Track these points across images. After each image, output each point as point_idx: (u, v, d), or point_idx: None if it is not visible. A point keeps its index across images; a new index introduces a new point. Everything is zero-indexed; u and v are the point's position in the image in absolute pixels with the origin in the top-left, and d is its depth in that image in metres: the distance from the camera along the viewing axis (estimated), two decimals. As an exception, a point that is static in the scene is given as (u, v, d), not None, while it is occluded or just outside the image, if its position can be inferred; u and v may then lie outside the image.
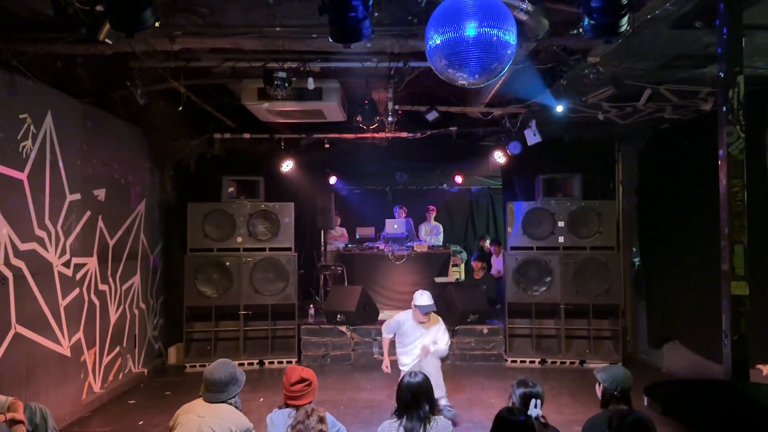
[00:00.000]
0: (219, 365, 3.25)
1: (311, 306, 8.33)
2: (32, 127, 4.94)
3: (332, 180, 10.84)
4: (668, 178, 7.21)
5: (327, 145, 8.43)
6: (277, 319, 7.77)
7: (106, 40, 4.07)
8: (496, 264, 9.53)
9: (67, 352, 5.47)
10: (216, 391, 3.15)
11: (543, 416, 2.88)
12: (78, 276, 5.69)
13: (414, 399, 3.00)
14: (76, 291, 5.66)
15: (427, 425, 2.94)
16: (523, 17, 3.91)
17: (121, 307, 6.61)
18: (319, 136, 8.20)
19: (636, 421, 2.62)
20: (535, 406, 2.91)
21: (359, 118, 6.55)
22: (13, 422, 3.34)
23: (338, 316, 7.76)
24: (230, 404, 3.19)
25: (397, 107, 6.75)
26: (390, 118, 6.77)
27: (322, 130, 7.99)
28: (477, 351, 7.73)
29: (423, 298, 5.60)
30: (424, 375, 3.11)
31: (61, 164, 5.38)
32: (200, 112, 7.12)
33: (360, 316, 7.76)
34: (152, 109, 6.46)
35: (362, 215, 11.33)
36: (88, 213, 5.88)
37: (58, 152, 5.33)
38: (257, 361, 7.69)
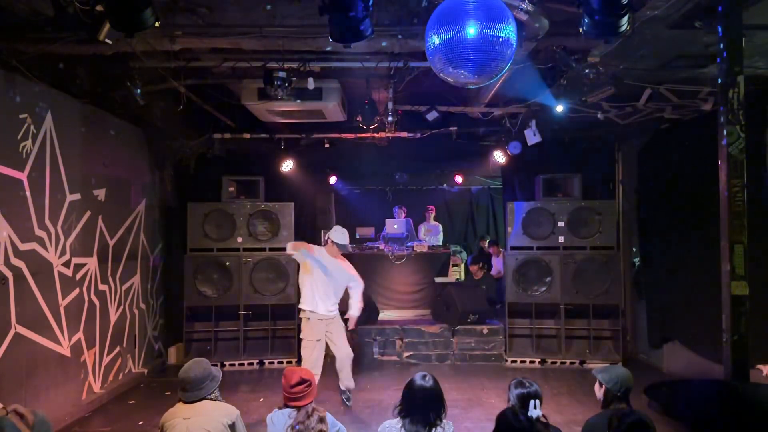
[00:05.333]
0: (193, 363, 3.24)
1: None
2: (32, 127, 4.94)
3: (332, 180, 10.83)
4: (668, 178, 7.20)
5: (327, 145, 8.43)
6: (277, 319, 7.77)
7: (106, 40, 4.06)
8: (497, 264, 9.52)
9: (67, 352, 5.47)
10: (194, 389, 3.14)
11: (544, 416, 2.87)
12: (78, 276, 5.69)
13: (423, 404, 2.95)
14: (76, 291, 5.66)
15: (432, 431, 2.92)
16: (523, 17, 3.91)
17: (121, 307, 6.61)
18: (319, 136, 8.20)
19: (636, 421, 2.62)
20: (535, 407, 2.90)
21: (359, 118, 6.55)
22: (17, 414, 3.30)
23: (338, 316, 7.75)
24: (210, 399, 3.19)
25: (397, 107, 6.75)
26: (390, 118, 6.76)
27: (322, 130, 7.98)
28: (477, 351, 7.72)
29: (341, 235, 5.75)
30: (435, 379, 3.06)
31: (61, 164, 5.38)
32: (200, 112, 7.11)
33: (360, 316, 7.74)
34: (152, 109, 6.46)
35: (362, 215, 11.32)
36: (88, 213, 5.88)
37: (58, 152, 5.33)
38: (257, 361, 7.69)
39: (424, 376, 3.04)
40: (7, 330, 4.58)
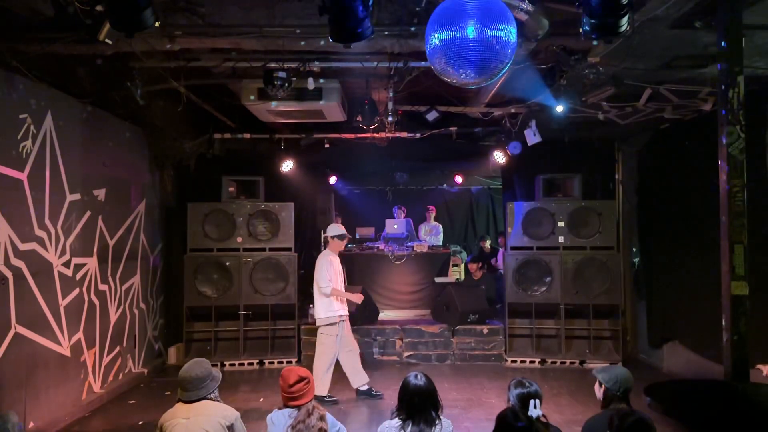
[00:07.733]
0: (193, 363, 3.23)
1: (311, 306, 8.31)
2: (32, 127, 4.94)
3: (332, 180, 10.84)
4: (668, 178, 7.21)
5: (327, 145, 8.43)
6: (277, 319, 7.77)
7: (106, 40, 4.06)
8: (499, 257, 9.50)
9: (67, 352, 5.46)
10: (194, 389, 3.14)
11: (544, 416, 2.87)
12: (78, 276, 5.69)
13: (422, 403, 2.96)
14: (76, 291, 5.65)
15: (434, 429, 2.92)
16: (523, 17, 3.91)
17: (121, 307, 6.61)
18: (319, 136, 8.19)
19: (637, 421, 2.62)
20: (535, 407, 2.90)
21: (359, 118, 6.55)
22: None
23: (338, 316, 7.75)
24: (210, 399, 3.19)
25: (397, 107, 6.75)
26: (390, 118, 6.76)
27: (322, 130, 7.98)
28: (477, 351, 7.72)
29: (336, 228, 6.32)
30: (427, 376, 3.09)
31: (61, 164, 5.38)
32: (200, 112, 7.11)
33: (360, 316, 7.75)
34: (152, 109, 6.46)
35: (362, 215, 11.33)
36: (88, 213, 5.88)
37: (58, 152, 5.33)
38: (257, 361, 7.69)
39: (416, 376, 3.07)
40: (7, 330, 4.58)
